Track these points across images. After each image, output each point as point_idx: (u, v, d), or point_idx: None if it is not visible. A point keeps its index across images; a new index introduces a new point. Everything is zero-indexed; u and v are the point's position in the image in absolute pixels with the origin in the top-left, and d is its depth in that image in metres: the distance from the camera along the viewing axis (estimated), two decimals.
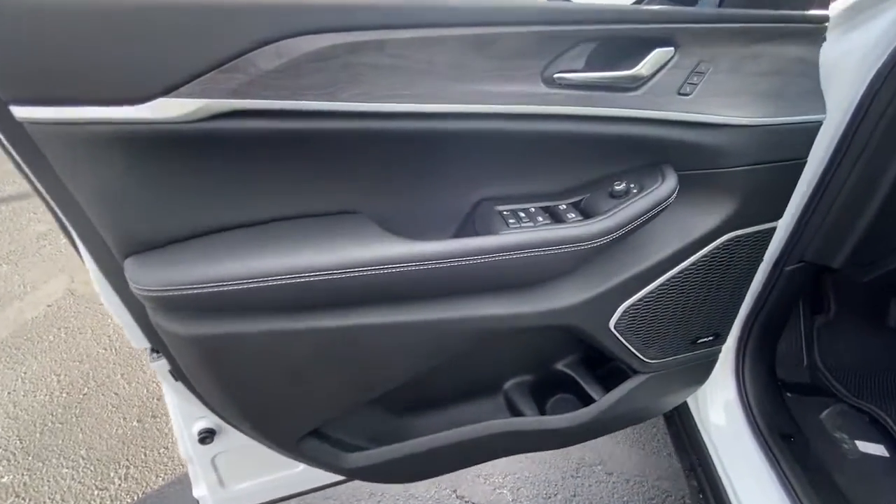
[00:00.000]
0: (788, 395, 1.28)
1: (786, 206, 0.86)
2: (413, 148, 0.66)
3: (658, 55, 0.66)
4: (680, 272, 0.84)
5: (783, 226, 0.93)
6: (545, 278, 0.78)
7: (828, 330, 1.39)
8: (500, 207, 0.74)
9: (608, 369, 1.03)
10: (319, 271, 0.61)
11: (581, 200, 0.78)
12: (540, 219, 0.73)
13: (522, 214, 0.73)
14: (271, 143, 0.58)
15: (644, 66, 0.66)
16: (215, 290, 0.58)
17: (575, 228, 0.71)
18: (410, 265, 0.65)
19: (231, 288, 0.58)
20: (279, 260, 0.60)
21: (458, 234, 0.77)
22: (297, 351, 0.68)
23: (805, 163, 0.81)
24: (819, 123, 0.78)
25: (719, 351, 1.04)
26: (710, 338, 0.99)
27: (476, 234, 0.73)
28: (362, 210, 0.69)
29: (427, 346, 0.76)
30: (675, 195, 0.74)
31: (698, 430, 1.20)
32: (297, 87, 0.53)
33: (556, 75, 0.63)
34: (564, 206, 0.76)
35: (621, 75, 0.66)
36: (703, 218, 0.81)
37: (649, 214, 0.73)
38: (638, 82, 0.67)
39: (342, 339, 0.70)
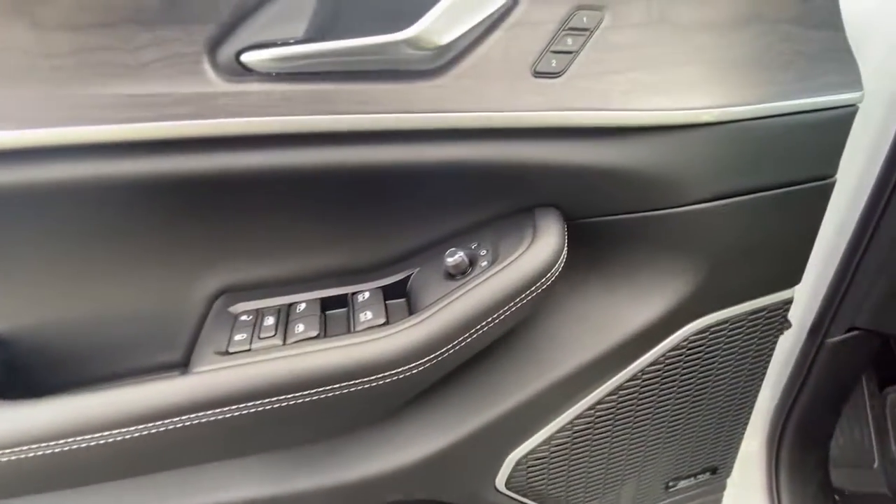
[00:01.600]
0: None
1: (805, 261, 0.48)
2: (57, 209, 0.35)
3: None
4: (616, 388, 0.47)
5: (814, 284, 0.57)
6: (336, 428, 0.44)
7: None
8: (244, 306, 0.41)
9: None
10: None
11: (409, 278, 0.44)
12: (300, 327, 0.39)
13: (270, 320, 0.39)
14: None
15: (435, 24, 0.32)
16: None
17: (354, 347, 0.37)
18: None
19: None
20: None
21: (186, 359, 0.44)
22: None
23: (834, 183, 0.44)
24: (853, 109, 0.41)
25: (723, 488, 0.64)
26: (700, 476, 0.60)
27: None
28: None
29: None
30: (560, 262, 0.38)
31: None
32: None
33: (246, 56, 0.31)
34: (367, 295, 0.42)
35: (387, 42, 0.32)
36: (643, 300, 0.44)
37: (513, 306, 0.38)
38: (438, 59, 0.33)
39: None
